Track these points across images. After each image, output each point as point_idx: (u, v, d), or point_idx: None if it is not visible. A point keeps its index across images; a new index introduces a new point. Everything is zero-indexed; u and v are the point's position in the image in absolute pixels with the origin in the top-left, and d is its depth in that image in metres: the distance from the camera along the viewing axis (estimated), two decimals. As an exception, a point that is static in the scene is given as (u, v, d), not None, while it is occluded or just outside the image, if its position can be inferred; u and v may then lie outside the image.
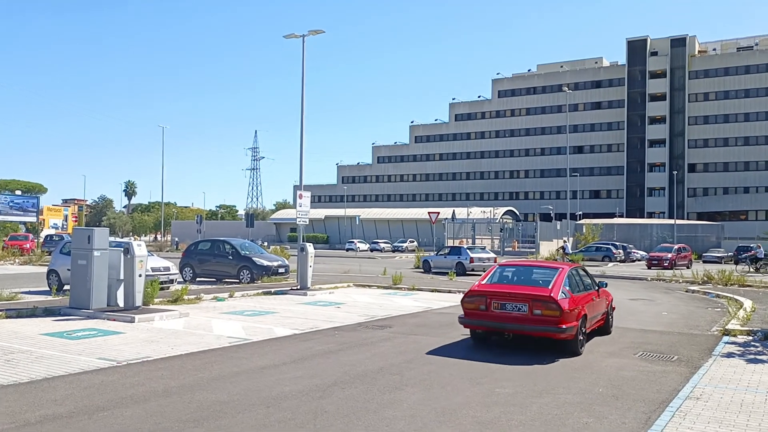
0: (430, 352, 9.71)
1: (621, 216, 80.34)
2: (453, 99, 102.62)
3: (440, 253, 33.17)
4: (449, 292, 20.24)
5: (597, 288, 11.62)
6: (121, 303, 13.43)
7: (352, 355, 9.41)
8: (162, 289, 17.34)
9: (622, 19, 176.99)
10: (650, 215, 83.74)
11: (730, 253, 51.36)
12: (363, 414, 6.32)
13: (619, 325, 13.25)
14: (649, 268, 37.35)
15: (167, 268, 18.82)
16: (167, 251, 61.23)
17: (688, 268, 36.81)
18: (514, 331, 10.25)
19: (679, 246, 43.78)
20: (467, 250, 31.20)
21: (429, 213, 37.47)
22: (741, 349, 10.55)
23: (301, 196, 20.69)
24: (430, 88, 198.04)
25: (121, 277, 13.37)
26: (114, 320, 12.48)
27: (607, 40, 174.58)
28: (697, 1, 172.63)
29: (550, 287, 10.03)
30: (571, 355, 9.79)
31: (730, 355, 10.01)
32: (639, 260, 51.60)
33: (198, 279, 23.10)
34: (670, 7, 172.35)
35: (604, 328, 11.92)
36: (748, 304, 16.47)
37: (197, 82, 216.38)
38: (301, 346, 10.15)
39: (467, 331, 11.69)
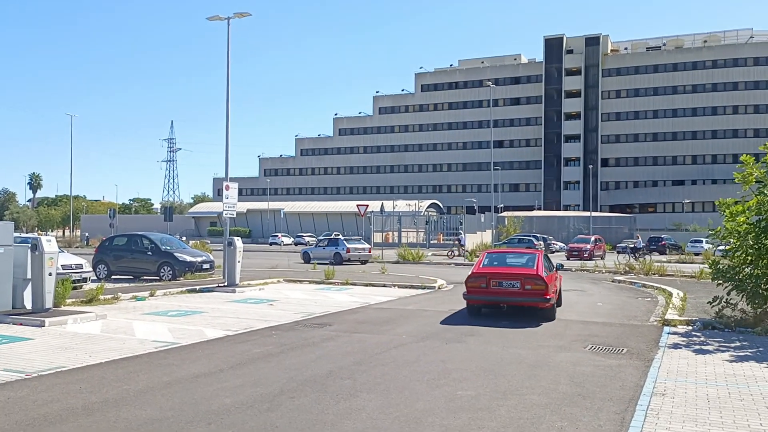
0: (379, 352, 9.10)
1: (539, 209, 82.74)
2: (377, 92, 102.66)
3: (319, 245, 34.59)
4: (383, 285, 19.75)
5: (555, 269, 13.91)
6: (28, 305, 12.07)
7: (295, 358, 8.67)
8: (74, 288, 15.91)
9: (540, 16, 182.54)
10: (566, 208, 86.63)
11: (643, 243, 53.74)
12: (320, 428, 5.63)
13: (560, 317, 13.12)
14: (568, 258, 38.33)
15: (80, 266, 17.31)
16: (77, 247, 57.82)
17: (602, 258, 38.13)
18: (509, 302, 12.73)
19: (595, 237, 45.23)
20: (344, 241, 32.55)
21: (358, 206, 36.89)
22: (685, 339, 10.56)
23: (228, 188, 19.59)
24: (354, 81, 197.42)
25: (29, 276, 12.00)
26: (21, 324, 11.16)
27: (526, 37, 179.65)
28: (610, 1, 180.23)
29: (535, 268, 12.53)
30: (549, 320, 12.41)
31: (676, 346, 9.96)
32: (558, 251, 53.07)
33: (113, 277, 21.58)
34: (585, 6, 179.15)
35: (559, 301, 13.90)
36: (675, 293, 16.85)
37: (108, 70, 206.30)
38: (238, 350, 9.31)
39: (410, 327, 11.32)
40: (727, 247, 11.91)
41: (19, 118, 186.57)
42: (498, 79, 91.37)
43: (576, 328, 11.69)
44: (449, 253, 40.14)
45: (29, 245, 11.98)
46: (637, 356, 9.13)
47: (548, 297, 12.13)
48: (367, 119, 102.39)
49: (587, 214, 64.81)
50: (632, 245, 38.25)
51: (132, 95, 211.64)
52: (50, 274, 11.98)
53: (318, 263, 29.98)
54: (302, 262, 32.40)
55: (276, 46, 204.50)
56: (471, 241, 47.44)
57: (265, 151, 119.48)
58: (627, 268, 27.09)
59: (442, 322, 12.15)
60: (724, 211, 12.15)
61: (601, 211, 76.88)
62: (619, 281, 22.52)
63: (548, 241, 52.26)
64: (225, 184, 19.79)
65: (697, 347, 9.84)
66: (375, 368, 8.04)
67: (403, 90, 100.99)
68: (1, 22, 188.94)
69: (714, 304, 11.98)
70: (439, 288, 19.39)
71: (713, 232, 12.30)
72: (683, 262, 35.63)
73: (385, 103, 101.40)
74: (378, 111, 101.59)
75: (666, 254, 47.10)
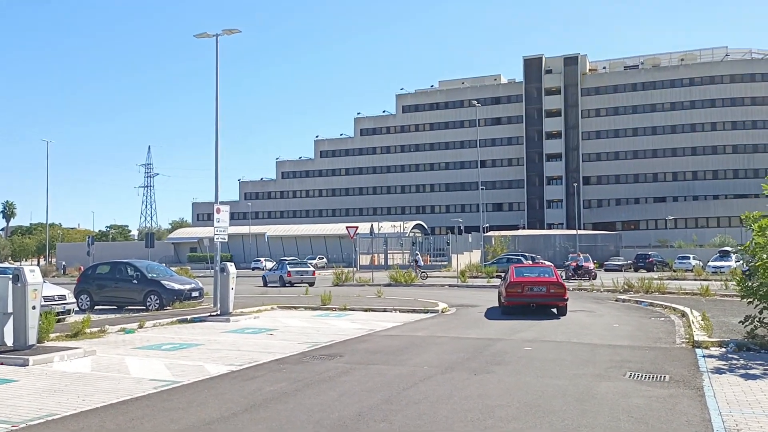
0: (406, 387, 8.27)
1: (523, 228, 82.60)
2: (358, 113, 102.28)
3: (271, 269, 38.08)
4: (384, 310, 18.91)
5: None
6: (9, 341, 11.04)
7: (315, 397, 7.80)
8: (58, 321, 14.83)
9: (518, 37, 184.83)
10: (550, 226, 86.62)
11: (629, 261, 53.57)
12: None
13: (581, 340, 12.46)
14: (578, 277, 35.22)
15: (63, 297, 16.25)
16: (53, 276, 56.09)
17: (594, 278, 36.53)
18: (539, 302, 17.26)
19: (583, 256, 44.69)
20: (287, 265, 35.09)
21: (347, 228, 36.12)
22: (724, 363, 9.90)
23: (219, 211, 18.72)
24: (335, 103, 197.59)
25: (10, 309, 10.99)
26: (2, 364, 10.14)
27: (505, 57, 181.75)
28: (588, 21, 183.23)
29: (555, 277, 17.77)
30: (563, 315, 17.04)
31: (719, 370, 9.30)
32: (547, 270, 52.77)
33: (97, 307, 20.49)
34: (563, 26, 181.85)
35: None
36: (689, 311, 16.26)
37: (84, 94, 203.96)
38: (248, 388, 8.41)
39: (429, 357, 10.52)
40: (757, 263, 11.30)
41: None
42: (478, 99, 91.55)
43: (604, 352, 10.98)
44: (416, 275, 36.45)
45: (10, 276, 10.98)
46: (684, 384, 8.43)
47: (566, 297, 17.27)
48: (348, 141, 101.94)
49: (573, 232, 64.74)
50: (575, 263, 36.59)
51: (108, 120, 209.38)
52: (34, 308, 10.97)
53: (271, 286, 33.42)
54: (261, 285, 34.33)
55: (256, 68, 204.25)
56: (460, 261, 46.89)
57: (245, 175, 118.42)
58: (626, 286, 26.60)
59: (461, 350, 11.36)
60: (751, 225, 11.58)
61: (584, 229, 76.92)
62: (624, 300, 21.96)
63: (536, 260, 51.91)
64: (216, 207, 18.93)
65: (742, 372, 9.19)
66: (408, 407, 7.20)
67: (384, 111, 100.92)
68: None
69: (746, 324, 11.37)
70: (442, 311, 18.61)
71: (743, 248, 11.69)
72: (675, 279, 35.32)
73: (366, 124, 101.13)
74: (359, 132, 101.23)
75: (654, 271, 46.90)
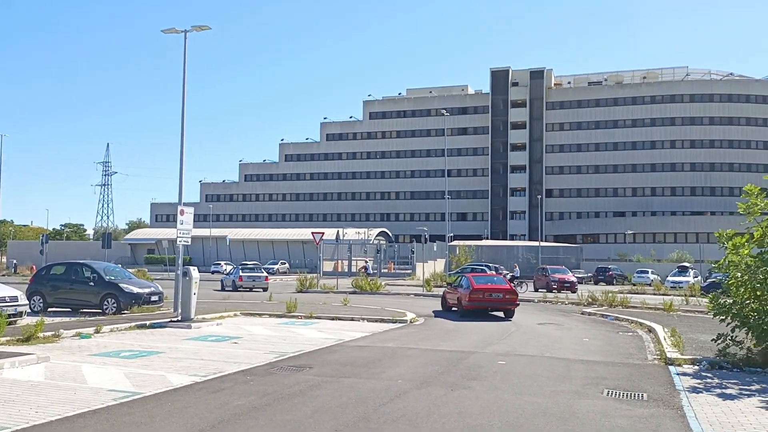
0: (382, 404, 7.94)
1: (487, 238, 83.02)
2: (324, 118, 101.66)
3: (228, 273, 40.01)
4: (351, 319, 18.52)
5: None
6: (-47, 346, 10.33)
7: (287, 413, 7.41)
8: (9, 324, 14.06)
9: (486, 48, 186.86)
10: (512, 237, 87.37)
11: (589, 274, 54.27)
12: None
13: (554, 355, 12.34)
14: (559, 291, 34.46)
15: (14, 298, 15.45)
16: (3, 275, 54.03)
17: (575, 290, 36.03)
18: (496, 307, 20.29)
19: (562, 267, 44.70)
20: (239, 270, 36.22)
21: (312, 233, 35.58)
22: (699, 381, 9.86)
23: (182, 213, 18.10)
24: (301, 107, 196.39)
25: (-44, 312, 10.29)
26: (-56, 371, 9.46)
27: (473, 68, 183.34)
28: (554, 35, 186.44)
29: (507, 285, 21.21)
30: (511, 317, 19.84)
31: (695, 389, 9.24)
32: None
33: (50, 309, 19.65)
34: (530, 40, 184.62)
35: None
36: (657, 327, 16.32)
37: (41, 88, 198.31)
38: (214, 401, 7.96)
39: (402, 370, 10.23)
40: (730, 281, 11.33)
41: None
42: (446, 108, 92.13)
43: (579, 368, 10.84)
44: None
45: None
46: (663, 403, 8.31)
47: (517, 303, 20.67)
48: (314, 145, 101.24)
49: (536, 243, 65.31)
50: (510, 274, 38.42)
51: (65, 116, 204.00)
52: (-17, 310, 10.30)
53: (226, 290, 33.94)
54: (219, 289, 34.45)
55: (221, 68, 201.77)
56: (425, 269, 46.74)
57: (206, 176, 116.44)
58: (590, 300, 26.80)
59: (434, 363, 11.09)
60: (724, 243, 11.62)
61: (546, 241, 77.76)
62: (589, 313, 22.04)
63: (499, 270, 52.14)
64: (180, 208, 18.31)
65: (719, 391, 9.15)
66: (387, 426, 6.87)
67: (351, 117, 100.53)
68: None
69: (718, 342, 11.38)
70: (411, 322, 18.33)
71: (716, 265, 11.71)
72: (636, 293, 35.72)
73: (332, 129, 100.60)
74: (325, 137, 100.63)
75: (614, 284, 47.52)
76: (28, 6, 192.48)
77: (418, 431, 6.68)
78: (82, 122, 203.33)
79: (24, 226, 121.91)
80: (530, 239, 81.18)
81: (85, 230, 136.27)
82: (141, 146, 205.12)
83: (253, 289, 34.10)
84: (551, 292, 33.87)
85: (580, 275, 53.52)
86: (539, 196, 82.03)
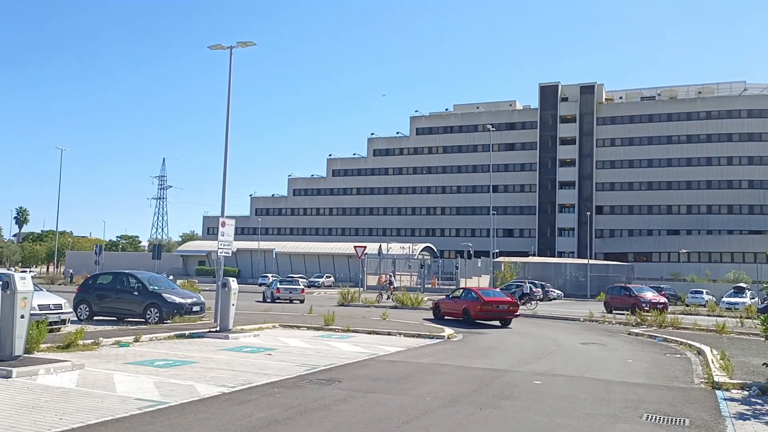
0: (406, 421, 7.68)
1: (534, 255, 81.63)
2: (372, 134, 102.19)
3: (261, 282, 44.10)
4: (388, 333, 18.29)
5: None
6: (-5, 351, 10.56)
7: (308, 427, 7.24)
8: (51, 331, 14.41)
9: (535, 64, 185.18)
10: (561, 254, 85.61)
11: (530, 290, 52.31)
12: None
13: (595, 376, 11.80)
14: (650, 310, 29.48)
15: (58, 306, 15.81)
16: (60, 284, 55.91)
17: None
18: (501, 317, 23.27)
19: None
20: (277, 282, 38.39)
21: (355, 247, 35.59)
22: (748, 408, 9.23)
23: (224, 224, 18.30)
24: (349, 122, 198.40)
25: (-3, 318, 10.53)
26: (-17, 375, 9.65)
27: (521, 84, 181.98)
28: (605, 50, 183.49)
29: (510, 298, 25.15)
30: (509, 326, 22.93)
31: (742, 416, 8.65)
32: (556, 299, 51.80)
33: (96, 318, 20.08)
34: (580, 55, 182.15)
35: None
36: (707, 350, 15.53)
37: (100, 104, 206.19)
38: (237, 413, 7.86)
39: (433, 387, 9.93)
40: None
41: (8, 151, 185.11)
42: (493, 124, 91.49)
43: (619, 390, 10.32)
44: (378, 298, 36.95)
45: (0, 282, 10.54)
46: (705, 429, 7.80)
47: (517, 313, 24.03)
48: (361, 161, 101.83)
49: (585, 261, 63.73)
50: (520, 290, 37.36)
51: (123, 131, 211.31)
52: (23, 317, 10.52)
53: (267, 301, 35.08)
54: (261, 300, 35.84)
55: (270, 85, 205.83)
56: (469, 285, 46.12)
57: (257, 191, 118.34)
58: (639, 320, 25.85)
59: (466, 381, 10.75)
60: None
61: (595, 259, 75.85)
62: (637, 334, 21.20)
63: (546, 288, 51.01)
64: (221, 220, 18.51)
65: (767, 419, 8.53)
66: (407, 444, 6.62)
67: (398, 132, 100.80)
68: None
69: (771, 366, 10.69)
70: (448, 338, 17.98)
71: (766, 284, 11.02)
72: (688, 314, 34.32)
73: (379, 145, 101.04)
74: (372, 153, 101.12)
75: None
76: (86, 25, 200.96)
77: (439, 451, 6.41)
78: (139, 137, 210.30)
79: (82, 237, 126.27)
80: (579, 257, 79.36)
81: (140, 242, 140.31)
82: (196, 161, 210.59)
83: (292, 301, 35.74)
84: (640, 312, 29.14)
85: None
86: (589, 213, 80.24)
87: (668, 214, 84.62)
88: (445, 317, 24.80)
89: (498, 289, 32.08)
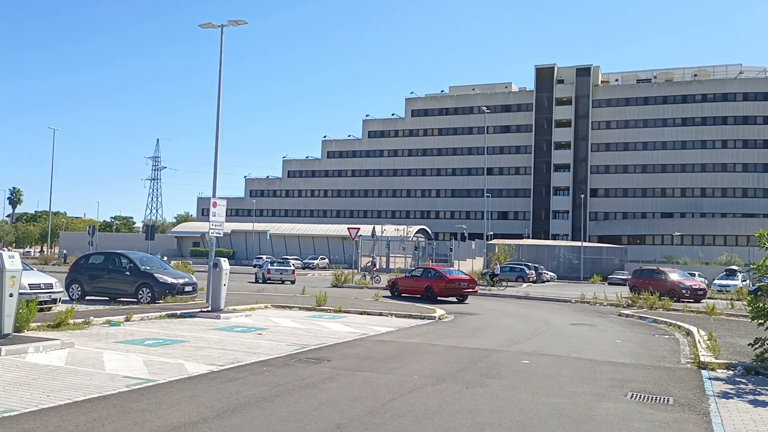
0: (392, 398, 7.75)
1: (528, 237, 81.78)
2: (367, 115, 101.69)
3: (255, 264, 45.68)
4: (380, 314, 18.40)
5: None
6: (-16, 330, 10.57)
7: (294, 404, 7.29)
8: (42, 310, 14.44)
9: (531, 45, 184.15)
10: (555, 237, 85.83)
11: (499, 270, 52.63)
12: None
13: (582, 356, 11.91)
14: (697, 301, 29.00)
15: (49, 285, 15.79)
16: (53, 264, 55.88)
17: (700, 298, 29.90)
18: (461, 294, 25.14)
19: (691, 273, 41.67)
20: (268, 263, 38.69)
21: (348, 229, 35.61)
22: (732, 387, 9.34)
23: (215, 205, 18.25)
24: (344, 104, 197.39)
25: (-14, 296, 10.53)
26: (-29, 353, 9.67)
27: (517, 65, 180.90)
28: (601, 32, 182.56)
29: (469, 277, 26.94)
30: (466, 301, 25.14)
31: (726, 395, 8.75)
32: (549, 281, 52.08)
33: (88, 297, 20.09)
34: (576, 37, 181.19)
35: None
36: (695, 330, 15.68)
37: (94, 84, 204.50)
38: (225, 391, 7.91)
39: (421, 366, 10.02)
40: (769, 283, 10.72)
41: (2, 132, 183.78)
42: (488, 106, 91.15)
43: (606, 370, 10.42)
44: (370, 280, 36.01)
45: (-12, 262, 10.52)
46: (689, 408, 7.88)
47: (474, 289, 26.04)
48: (356, 142, 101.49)
49: (578, 244, 63.98)
50: (491, 271, 39.04)
51: (117, 111, 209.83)
52: (11, 295, 10.54)
53: (258, 282, 35.35)
54: (253, 281, 36.13)
55: (265, 67, 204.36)
56: (462, 267, 46.30)
57: (251, 172, 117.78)
58: (630, 301, 26.04)
59: (455, 360, 10.83)
60: (764, 244, 11.00)
61: (589, 241, 76.07)
62: (627, 315, 21.36)
63: (539, 271, 51.28)
64: (213, 200, 18.46)
65: (751, 397, 8.64)
66: (392, 421, 6.68)
67: (393, 114, 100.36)
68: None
69: (755, 346, 10.79)
70: (440, 318, 18.09)
71: (755, 267, 11.11)
72: (680, 296, 34.59)
73: (374, 126, 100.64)
74: (367, 134, 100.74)
75: (659, 287, 46.11)
76: (79, 6, 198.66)
77: (422, 427, 6.46)
78: (133, 119, 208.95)
79: (76, 218, 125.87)
80: (573, 239, 79.57)
81: (134, 223, 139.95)
82: (191, 143, 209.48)
83: (283, 282, 35.90)
84: (680, 300, 28.03)
85: (623, 276, 52.20)
86: (583, 196, 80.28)
87: (662, 197, 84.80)
88: (403, 294, 26.39)
89: (456, 268, 34.41)
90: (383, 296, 25.23)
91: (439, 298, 24.69)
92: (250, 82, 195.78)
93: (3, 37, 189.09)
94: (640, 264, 58.28)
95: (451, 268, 31.69)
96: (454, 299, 25.06)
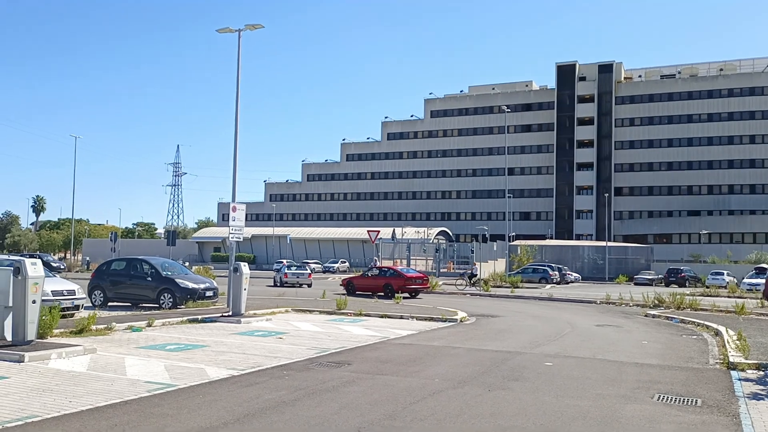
0: (413, 402, 7.73)
1: (551, 238, 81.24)
2: (386, 117, 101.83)
3: (275, 268, 46.55)
4: (401, 317, 18.39)
5: None
6: (9, 336, 10.77)
7: (314, 408, 7.31)
8: (65, 317, 14.65)
9: (551, 43, 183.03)
10: (579, 237, 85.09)
11: (660, 276, 52.16)
12: None
13: (607, 357, 11.77)
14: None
15: (72, 292, 16.03)
16: (77, 271, 56.65)
17: None
18: (416, 290, 28.48)
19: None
20: (286, 268, 39.52)
21: (368, 231, 35.79)
22: (763, 388, 9.17)
23: (234, 209, 18.39)
24: (362, 106, 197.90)
25: (10, 303, 10.72)
26: (-4, 360, 9.85)
27: (537, 64, 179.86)
28: (623, 28, 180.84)
29: (423, 275, 30.67)
30: (418, 296, 28.56)
31: (756, 396, 8.59)
32: (573, 281, 51.60)
33: (110, 304, 20.35)
34: (597, 34, 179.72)
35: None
36: (723, 330, 15.42)
37: (114, 90, 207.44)
38: (245, 395, 7.96)
39: (442, 369, 10.02)
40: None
41: (25, 139, 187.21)
42: (509, 105, 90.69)
43: (631, 371, 10.30)
44: (463, 283, 37.65)
45: (11, 269, 10.71)
46: (718, 410, 7.75)
47: (428, 287, 29.82)
48: (375, 145, 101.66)
49: (603, 243, 63.37)
50: (470, 272, 39.19)
51: (138, 117, 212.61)
52: (34, 302, 10.70)
53: (275, 286, 36.27)
54: (272, 285, 37.15)
55: (283, 70, 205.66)
56: (484, 269, 46.13)
57: (271, 176, 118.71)
58: (656, 301, 25.69)
59: (477, 363, 10.78)
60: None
61: (614, 241, 75.31)
62: (654, 315, 21.09)
63: (563, 271, 50.83)
64: (232, 205, 18.62)
65: (783, 399, 8.46)
66: (412, 425, 6.66)
67: (412, 116, 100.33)
68: (6, 42, 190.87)
69: (787, 346, 10.58)
70: (461, 321, 18.04)
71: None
72: (708, 296, 34.05)
73: (393, 128, 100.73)
74: (386, 137, 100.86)
75: (686, 286, 45.55)
76: (98, 12, 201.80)
77: (444, 431, 6.44)
78: (154, 125, 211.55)
79: (99, 225, 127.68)
80: (598, 239, 78.82)
81: (155, 229, 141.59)
82: (211, 148, 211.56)
83: (301, 285, 36.70)
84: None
85: (649, 276, 51.59)
86: (607, 194, 79.51)
87: (689, 195, 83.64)
88: (358, 292, 28.88)
89: (410, 267, 40.49)
90: (338, 293, 25.36)
91: (398, 291, 27.43)
92: (268, 86, 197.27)
93: (23, 43, 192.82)
94: (667, 264, 57.72)
95: (406, 267, 36.14)
96: (407, 294, 28.00)
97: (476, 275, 37.82)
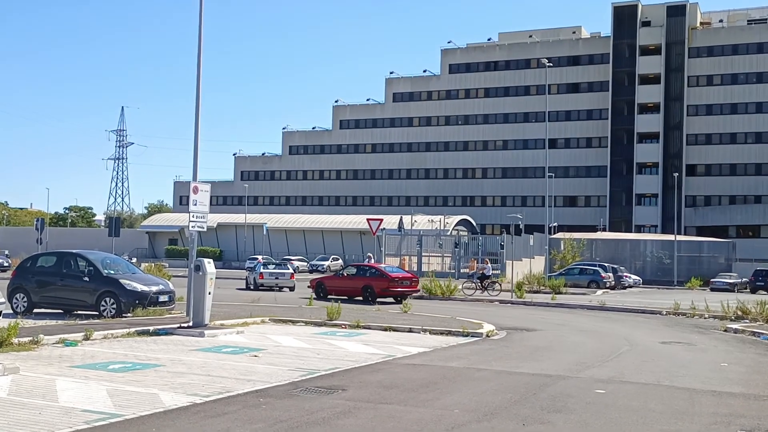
0: (425, 439, 7.80)
1: (604, 229, 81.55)
2: (391, 73, 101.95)
3: (248, 266, 47.92)
4: (410, 330, 18.57)
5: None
6: None
7: (299, 446, 7.37)
8: (-22, 327, 14.72)
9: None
10: (639, 229, 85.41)
11: (744, 279, 52.39)
12: None
13: (675, 383, 11.89)
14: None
15: (-14, 295, 16.13)
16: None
17: None
18: (404, 294, 29.27)
19: None
20: (261, 266, 40.35)
21: (368, 220, 35.90)
22: None
23: (196, 191, 18.48)
24: (360, 60, 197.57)
25: None
26: None
27: (588, 4, 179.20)
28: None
29: (412, 275, 32.78)
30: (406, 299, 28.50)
31: None
32: (632, 286, 51.80)
33: (36, 311, 20.60)
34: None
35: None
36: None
37: (37, 34, 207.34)
38: (210, 428, 8.03)
39: (463, 397, 10.12)
40: None
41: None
42: (551, 58, 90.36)
43: (707, 402, 10.38)
44: (472, 287, 37.56)
45: None
46: (819, 452, 7.80)
47: (417, 289, 31.40)
48: (377, 108, 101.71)
49: (671, 237, 63.44)
50: (480, 272, 38.90)
51: (70, 71, 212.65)
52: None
53: (248, 289, 37.24)
54: (243, 288, 38.09)
55: (260, 14, 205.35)
56: (517, 269, 46.21)
57: (242, 149, 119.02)
58: (740, 312, 25.81)
59: (508, 389, 10.86)
60: None
61: (685, 234, 75.53)
62: (736, 330, 21.25)
63: (619, 273, 51.03)
64: (193, 185, 18.73)
65: None
66: (426, 467, 6.72)
67: (425, 71, 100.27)
68: None
69: None
70: (487, 335, 18.19)
71: None
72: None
73: (401, 87, 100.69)
74: (392, 98, 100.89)
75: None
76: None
77: (466, 476, 6.50)
78: (91, 81, 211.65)
79: (21, 209, 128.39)
80: (664, 232, 79.07)
81: (94, 215, 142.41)
82: (165, 112, 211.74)
83: (281, 289, 37.03)
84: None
85: (730, 280, 51.92)
86: (677, 174, 79.45)
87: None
88: (330, 297, 28.63)
89: (397, 266, 40.89)
90: (302, 297, 25.81)
91: (380, 295, 28.44)
92: (240, 34, 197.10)
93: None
94: (754, 263, 57.85)
95: (390, 266, 36.42)
96: (391, 299, 28.78)
97: (488, 276, 37.89)
